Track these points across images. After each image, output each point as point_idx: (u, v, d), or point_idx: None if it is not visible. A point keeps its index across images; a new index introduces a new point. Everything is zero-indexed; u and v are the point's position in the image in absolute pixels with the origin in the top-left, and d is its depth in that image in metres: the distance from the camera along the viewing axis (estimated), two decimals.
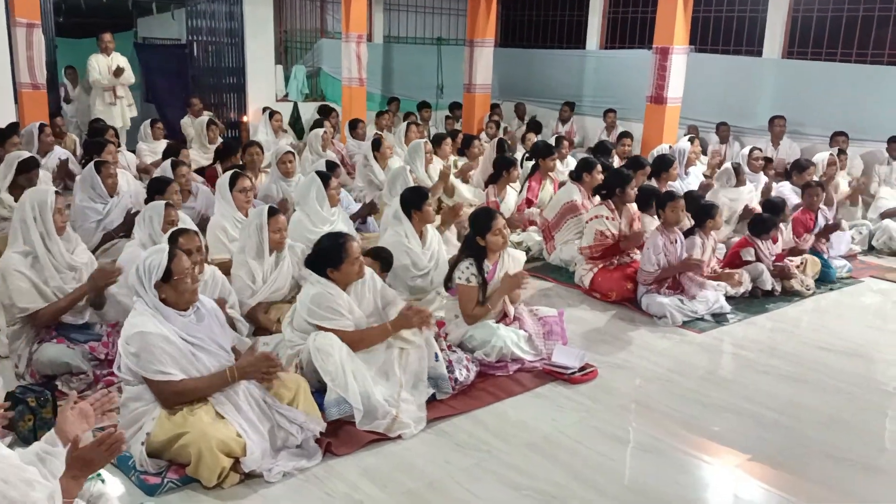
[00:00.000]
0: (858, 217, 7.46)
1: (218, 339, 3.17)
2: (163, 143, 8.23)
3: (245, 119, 11.10)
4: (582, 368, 4.14)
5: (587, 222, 5.71)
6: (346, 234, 3.91)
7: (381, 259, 4.59)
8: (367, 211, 6.38)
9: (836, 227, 6.36)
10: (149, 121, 8.76)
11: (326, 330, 3.61)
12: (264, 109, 10.34)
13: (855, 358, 4.67)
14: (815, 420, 3.80)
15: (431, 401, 3.72)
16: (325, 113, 10.44)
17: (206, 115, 9.22)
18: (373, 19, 12.33)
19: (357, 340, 3.65)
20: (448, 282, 4.34)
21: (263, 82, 11.36)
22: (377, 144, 7.53)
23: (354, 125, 9.34)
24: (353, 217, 6.12)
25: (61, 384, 3.71)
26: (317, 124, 10.03)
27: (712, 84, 10.11)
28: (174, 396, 2.98)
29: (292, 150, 6.72)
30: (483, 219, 4.31)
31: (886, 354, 4.78)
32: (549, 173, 7.15)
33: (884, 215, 7.22)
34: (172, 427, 2.95)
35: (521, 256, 4.52)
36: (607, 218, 5.58)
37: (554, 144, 8.39)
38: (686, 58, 8.98)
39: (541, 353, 4.23)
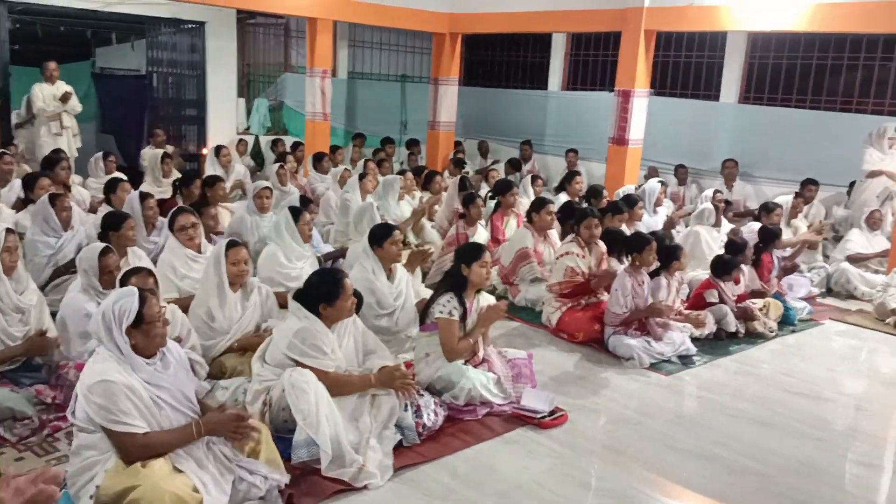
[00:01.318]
0: (818, 260, 7.59)
1: (183, 389, 3.00)
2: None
3: (204, 152, 10.91)
4: (552, 412, 4.06)
5: (556, 259, 5.68)
6: (341, 270, 3.82)
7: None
8: (340, 254, 6.28)
9: (794, 268, 6.46)
10: (100, 154, 8.50)
11: (305, 366, 3.49)
12: (243, 143, 10.17)
13: (819, 401, 4.69)
14: (784, 465, 3.77)
15: (398, 447, 3.60)
16: (279, 150, 10.39)
17: (165, 148, 9.05)
18: (337, 55, 12.33)
19: (336, 384, 3.53)
20: (423, 318, 4.24)
21: (224, 115, 11.22)
22: (363, 177, 7.59)
23: (319, 158, 9.27)
24: (327, 257, 6.03)
25: (3, 430, 3.48)
26: (279, 158, 9.94)
27: (671, 127, 10.31)
28: (139, 450, 2.78)
29: (269, 186, 6.66)
30: (472, 250, 4.28)
31: (849, 398, 4.82)
32: (512, 209, 7.14)
33: (850, 259, 7.32)
34: (124, 479, 2.75)
35: (492, 300, 4.44)
36: (578, 255, 5.56)
37: (530, 181, 8.47)
38: (647, 101, 9.16)
39: (510, 397, 4.15)
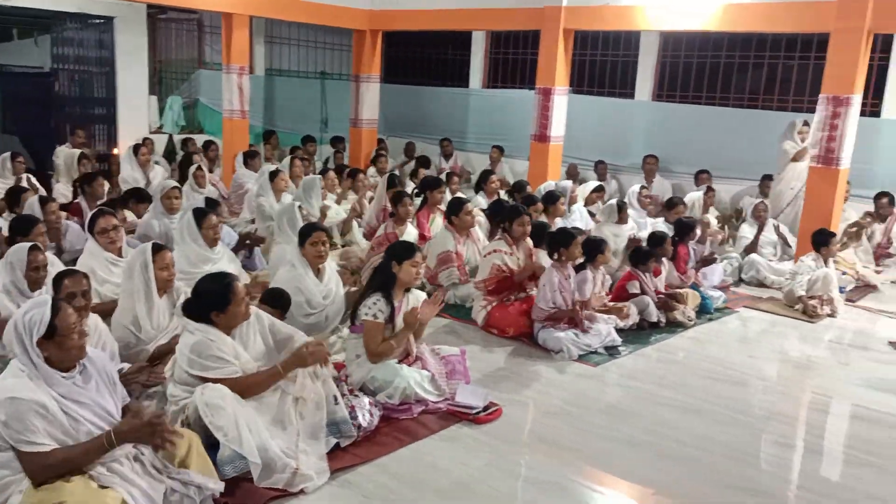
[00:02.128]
0: (730, 251, 7.92)
1: (105, 403, 2.84)
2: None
3: (116, 151, 10.48)
4: (486, 407, 4.08)
5: (484, 256, 5.72)
6: (229, 273, 3.66)
7: (278, 303, 4.37)
8: (249, 243, 6.11)
9: (711, 259, 6.73)
10: (8, 154, 8.05)
11: (210, 380, 3.35)
12: (144, 141, 9.78)
13: (738, 386, 4.89)
14: (709, 448, 3.91)
15: (335, 449, 3.54)
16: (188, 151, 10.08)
17: (83, 149, 8.67)
18: (253, 51, 12.06)
19: (245, 387, 3.40)
20: (352, 318, 4.19)
21: (136, 113, 10.80)
22: (272, 176, 7.35)
23: (252, 156, 9.04)
24: (235, 250, 5.87)
25: None
26: (185, 159, 9.63)
27: (590, 124, 10.56)
28: (43, 470, 2.61)
29: (178, 186, 6.42)
30: (403, 247, 4.25)
31: (764, 382, 5.05)
32: (437, 206, 7.15)
33: (747, 250, 7.69)
34: (45, 497, 2.61)
35: (423, 296, 4.44)
36: (505, 252, 5.62)
37: (445, 179, 8.51)
38: (566, 98, 9.34)
39: (444, 394, 4.14)
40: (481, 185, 8.61)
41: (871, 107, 8.89)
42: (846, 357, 5.62)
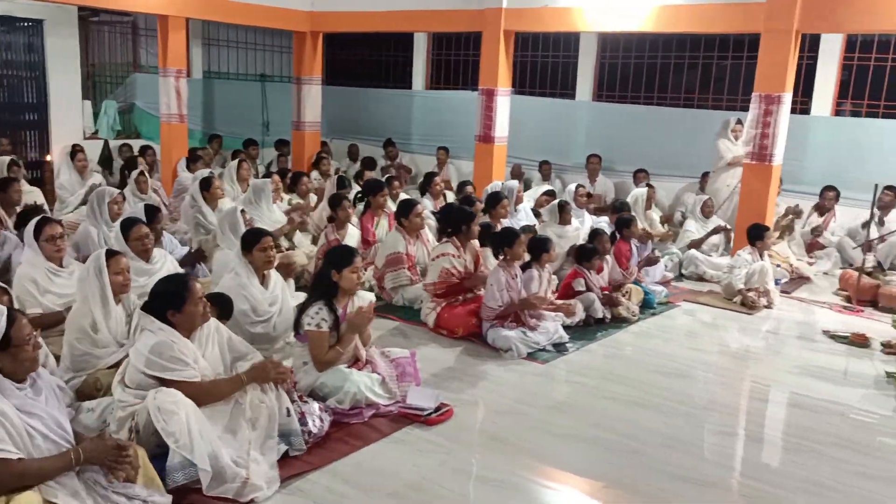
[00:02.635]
0: (670, 247, 8.11)
1: (56, 416, 2.76)
2: None
3: (49, 158, 10.14)
4: (437, 409, 4.09)
5: (432, 260, 5.73)
6: (186, 274, 3.62)
7: (220, 307, 4.29)
8: (194, 259, 5.97)
9: (655, 260, 6.90)
10: None
11: (169, 382, 3.29)
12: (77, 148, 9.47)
13: (681, 378, 5.01)
14: (655, 441, 4.00)
15: (285, 457, 3.50)
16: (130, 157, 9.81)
17: (11, 156, 8.33)
18: (191, 54, 11.81)
19: (205, 393, 3.35)
20: (297, 327, 4.14)
21: (69, 119, 10.44)
22: (207, 184, 7.07)
23: (194, 160, 8.81)
24: (181, 264, 5.72)
25: None
26: (128, 162, 9.38)
27: (534, 124, 10.69)
28: (12, 479, 2.53)
29: (123, 192, 6.23)
30: (341, 253, 4.20)
31: (705, 372, 5.18)
32: (382, 209, 7.12)
33: (691, 245, 7.89)
34: None
35: (371, 297, 4.42)
36: (453, 255, 5.64)
37: (384, 181, 8.45)
38: (509, 99, 9.43)
39: (395, 396, 4.14)
40: (426, 187, 8.61)
41: (801, 104, 9.23)
42: (783, 347, 5.82)
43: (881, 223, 7.81)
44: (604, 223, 7.56)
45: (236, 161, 8.68)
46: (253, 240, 4.70)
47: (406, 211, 6.30)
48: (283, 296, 4.78)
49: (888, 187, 8.01)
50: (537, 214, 8.29)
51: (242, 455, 3.27)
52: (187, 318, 3.44)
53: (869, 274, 7.15)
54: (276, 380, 3.51)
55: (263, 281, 4.76)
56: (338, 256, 4.19)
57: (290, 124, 11.59)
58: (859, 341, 5.74)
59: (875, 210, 7.17)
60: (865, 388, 4.95)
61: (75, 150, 9.06)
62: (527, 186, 9.95)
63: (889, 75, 8.90)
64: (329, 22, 10.74)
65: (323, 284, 4.15)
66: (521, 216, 7.92)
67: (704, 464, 3.81)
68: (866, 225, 7.33)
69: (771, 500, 3.45)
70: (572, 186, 8.22)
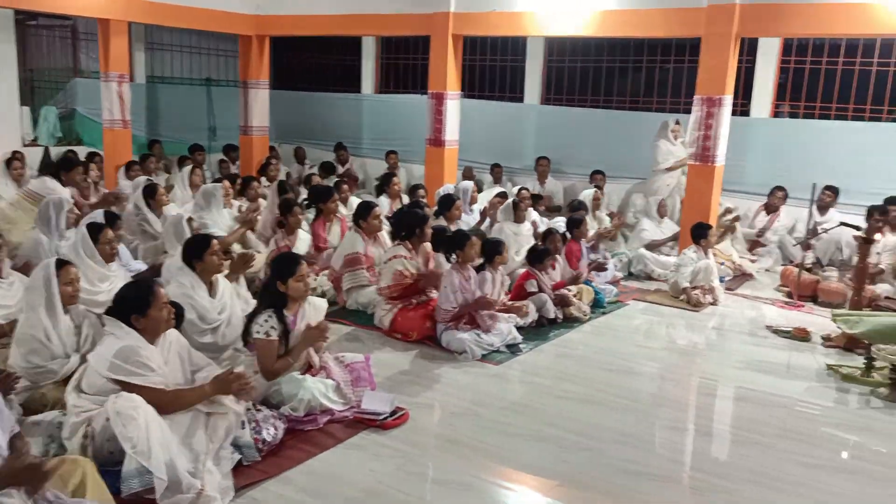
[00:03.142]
0: (620, 247, 8.27)
1: None
2: None
3: None
4: (393, 412, 4.09)
5: (385, 263, 5.73)
6: (152, 278, 3.57)
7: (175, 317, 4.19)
8: (153, 272, 5.84)
9: (603, 267, 7.03)
10: None
11: (132, 388, 3.22)
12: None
13: (632, 375, 5.11)
14: (608, 437, 4.07)
15: (238, 466, 3.45)
16: (68, 163, 9.51)
17: None
18: (133, 58, 11.56)
19: (169, 401, 3.31)
20: (246, 336, 4.09)
21: (6, 125, 10.08)
22: (151, 191, 6.91)
23: (129, 167, 8.62)
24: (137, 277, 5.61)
25: None
26: (64, 163, 9.08)
27: (484, 128, 10.76)
28: None
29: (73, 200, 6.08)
30: (286, 263, 4.14)
31: (655, 369, 5.30)
32: (334, 215, 7.09)
33: (648, 246, 8.05)
34: None
35: (323, 304, 4.39)
36: (406, 258, 5.64)
37: (333, 186, 8.44)
38: (459, 103, 9.48)
39: (350, 402, 4.12)
40: (384, 188, 8.64)
41: (741, 107, 9.50)
42: (728, 342, 5.98)
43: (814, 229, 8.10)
44: (560, 223, 7.66)
45: (189, 167, 8.54)
46: (203, 245, 4.62)
47: (365, 212, 6.32)
48: (231, 303, 4.71)
49: (827, 187, 8.30)
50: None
51: (199, 466, 3.22)
52: (152, 323, 3.41)
53: (809, 270, 7.40)
54: (237, 392, 3.46)
55: (211, 289, 4.68)
56: (282, 266, 4.14)
57: (237, 129, 11.42)
58: (801, 335, 5.94)
59: (814, 209, 7.41)
60: (808, 380, 5.12)
61: (12, 158, 8.76)
62: (479, 189, 10.00)
63: (824, 77, 9.24)
64: (275, 26, 10.63)
65: (271, 293, 4.11)
66: (477, 217, 7.98)
67: (656, 458, 3.90)
68: (838, 224, 7.53)
69: (719, 492, 3.54)
70: (515, 188, 8.34)
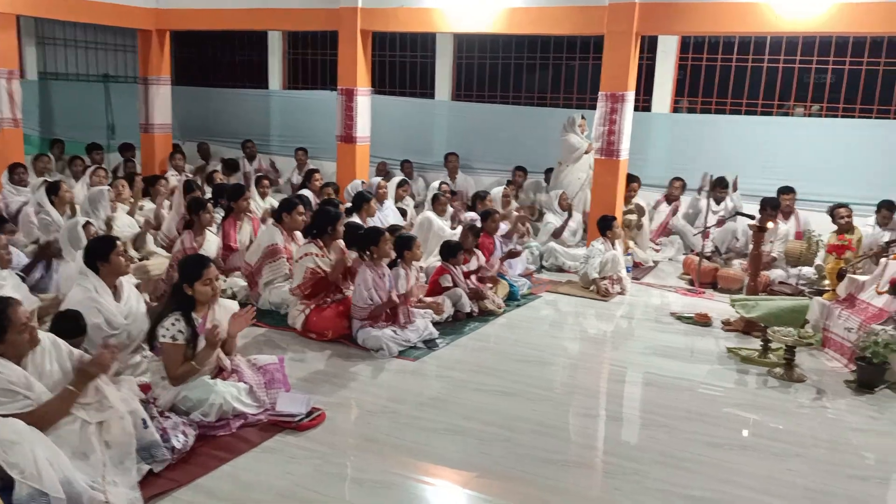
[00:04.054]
0: (530, 241, 8.42)
1: None
2: None
3: None
4: (309, 413, 4.03)
5: (296, 261, 5.64)
6: (8, 298, 3.32)
7: (68, 328, 3.97)
8: (45, 254, 5.55)
9: (516, 253, 7.14)
10: None
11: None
12: None
13: (546, 365, 5.22)
14: (524, 427, 4.14)
15: (148, 476, 3.32)
16: None
17: None
18: (24, 53, 10.92)
19: (40, 418, 3.12)
20: (152, 340, 3.94)
21: None
22: (54, 189, 6.72)
23: (13, 170, 8.15)
24: (31, 265, 5.31)
25: None
26: None
27: (395, 124, 10.74)
28: None
29: None
30: (192, 266, 4.01)
31: (567, 358, 5.44)
32: (245, 214, 6.93)
33: (553, 234, 8.24)
34: None
35: (233, 305, 4.28)
36: (316, 255, 5.57)
37: (255, 183, 8.32)
38: (369, 99, 9.42)
39: (264, 405, 4.03)
40: (306, 183, 8.56)
41: (643, 102, 9.84)
42: (636, 330, 6.20)
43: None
44: (471, 216, 7.72)
45: (91, 168, 8.24)
46: (107, 247, 4.41)
47: (289, 207, 6.26)
48: (137, 306, 4.52)
49: (718, 180, 8.69)
50: (402, 212, 8.37)
51: (98, 478, 3.09)
52: (12, 347, 3.20)
53: (708, 259, 7.74)
54: (98, 370, 3.29)
55: (115, 292, 4.48)
56: (188, 270, 4.01)
57: (137, 127, 10.97)
58: (702, 321, 6.21)
59: (709, 199, 7.75)
60: (710, 363, 5.36)
61: None
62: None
63: (719, 74, 9.68)
64: (176, 19, 10.26)
65: (178, 296, 3.98)
66: (388, 213, 7.96)
67: (570, 445, 4.00)
68: (734, 214, 7.88)
69: (629, 474, 3.66)
70: (436, 183, 8.38)
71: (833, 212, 7.48)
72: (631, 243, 8.35)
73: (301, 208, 6.31)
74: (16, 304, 3.27)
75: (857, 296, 5.53)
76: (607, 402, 4.76)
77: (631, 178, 8.59)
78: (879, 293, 5.28)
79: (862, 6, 6.73)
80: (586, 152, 8.78)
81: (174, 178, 9.02)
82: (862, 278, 5.62)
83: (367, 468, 3.63)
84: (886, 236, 7.30)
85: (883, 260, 5.63)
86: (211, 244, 6.37)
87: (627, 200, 8.53)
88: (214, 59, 13.33)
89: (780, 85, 9.41)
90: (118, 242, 4.50)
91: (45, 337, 3.41)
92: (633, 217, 8.44)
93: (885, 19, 6.69)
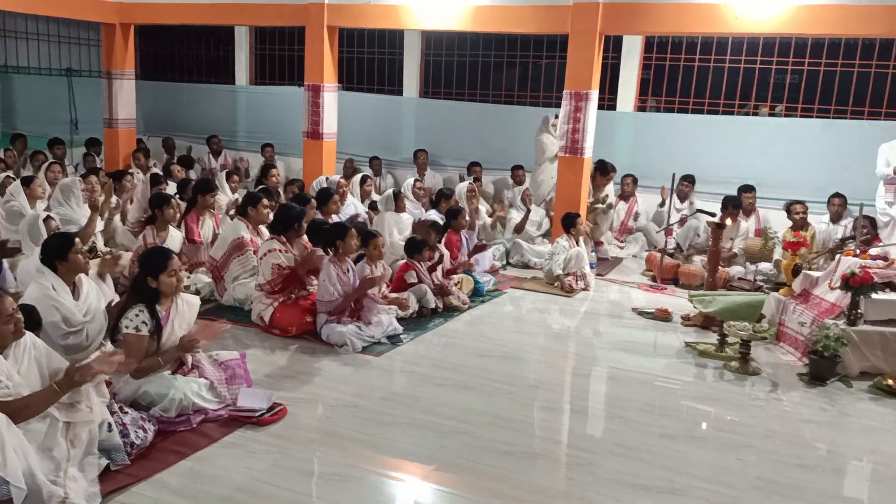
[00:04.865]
0: (498, 237, 8.50)
1: None
2: None
3: None
4: (270, 408, 4.04)
5: (261, 258, 5.63)
6: None
7: (30, 325, 3.93)
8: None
9: (483, 247, 7.20)
10: None
11: None
12: None
13: (507, 360, 5.28)
14: (484, 421, 4.20)
15: (107, 471, 3.32)
16: None
17: None
18: None
19: (20, 408, 3.12)
20: (114, 332, 3.92)
21: None
22: (28, 180, 6.78)
23: None
24: None
25: None
26: None
27: (363, 121, 10.74)
28: None
29: None
30: (156, 258, 4.00)
31: (530, 354, 5.50)
32: (208, 210, 6.90)
33: (515, 229, 8.34)
34: None
35: (196, 301, 4.27)
36: (280, 251, 5.57)
37: (225, 178, 8.32)
38: (336, 95, 9.41)
39: (225, 400, 4.04)
40: (262, 180, 8.53)
41: (608, 101, 9.96)
42: (599, 325, 6.29)
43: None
44: (433, 214, 7.77)
45: (46, 164, 8.15)
46: (65, 244, 4.37)
47: (254, 201, 6.25)
48: (96, 303, 4.49)
49: (685, 177, 8.86)
50: (373, 207, 8.40)
51: (60, 474, 3.08)
52: None
53: (671, 255, 7.88)
54: (82, 380, 3.28)
55: (74, 290, 4.45)
56: (152, 262, 4.00)
57: (101, 122, 10.84)
58: (663, 316, 6.33)
59: (672, 197, 7.89)
60: (669, 357, 5.47)
61: None
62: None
63: (683, 73, 9.84)
64: (140, 13, 10.14)
65: (141, 290, 3.96)
66: (350, 209, 7.97)
67: (528, 438, 4.06)
68: (696, 212, 8.03)
69: (585, 465, 3.74)
70: (410, 180, 8.44)
71: (788, 208, 7.67)
72: (606, 231, 8.47)
73: (266, 201, 6.30)
74: (3, 295, 3.28)
75: (811, 291, 5.68)
76: (566, 396, 4.83)
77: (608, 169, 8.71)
78: (832, 288, 5.42)
79: (817, 9, 6.90)
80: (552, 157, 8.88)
81: (138, 177, 8.92)
82: (816, 274, 5.77)
83: (328, 462, 3.66)
84: (840, 232, 7.50)
85: (838, 256, 5.79)
86: (174, 239, 6.33)
87: (601, 188, 8.59)
88: (181, 54, 13.20)
89: (741, 85, 9.59)
90: (77, 240, 4.45)
91: (28, 335, 3.42)
92: (602, 206, 8.52)
93: (840, 22, 6.87)
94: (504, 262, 8.12)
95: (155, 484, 3.35)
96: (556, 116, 9.06)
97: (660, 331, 6.09)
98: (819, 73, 9.24)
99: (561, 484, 3.60)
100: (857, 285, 5.11)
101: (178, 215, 6.59)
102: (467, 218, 7.32)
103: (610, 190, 8.81)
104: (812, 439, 4.22)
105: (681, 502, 3.44)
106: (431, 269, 6.37)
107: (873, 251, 5.85)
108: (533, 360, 5.41)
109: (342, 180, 8.25)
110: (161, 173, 8.44)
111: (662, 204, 9.00)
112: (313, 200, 6.88)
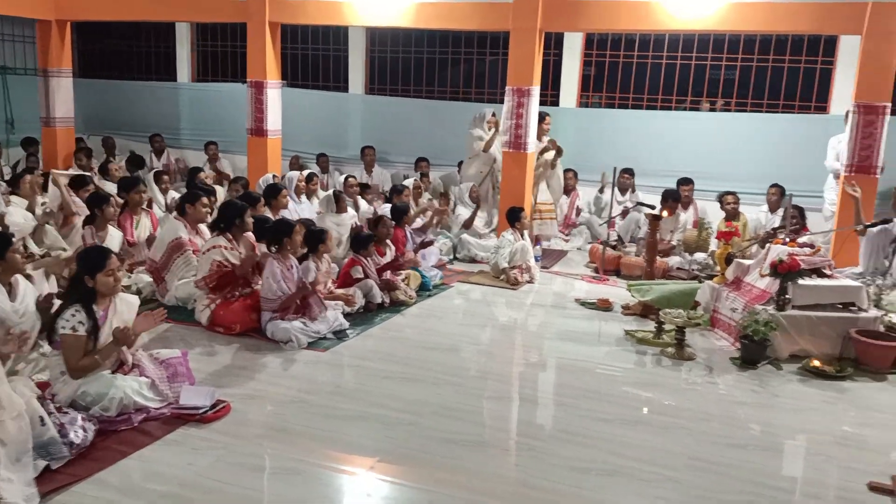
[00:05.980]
0: (444, 232, 8.57)
1: None
2: None
3: None
4: (213, 406, 4.03)
5: (203, 253, 5.58)
6: None
7: None
8: None
9: (429, 243, 7.26)
10: None
11: None
12: None
13: (455, 352, 5.36)
14: (430, 412, 4.26)
15: (45, 472, 3.27)
16: None
17: None
18: None
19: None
20: (51, 333, 3.86)
21: None
22: None
23: None
24: None
25: None
26: None
27: (309, 117, 10.69)
28: None
29: None
30: (94, 257, 3.95)
31: (477, 345, 5.59)
32: (140, 208, 6.80)
33: (463, 225, 8.41)
34: None
35: (135, 301, 4.22)
36: (225, 248, 5.53)
37: (153, 179, 8.19)
38: (280, 92, 9.35)
39: (167, 398, 4.01)
40: (189, 184, 8.43)
41: (552, 97, 10.13)
42: (543, 316, 6.42)
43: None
44: (387, 210, 7.80)
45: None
46: (4, 242, 4.27)
47: (193, 199, 6.16)
48: (33, 306, 4.40)
49: (625, 170, 9.07)
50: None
51: None
52: None
53: (613, 247, 8.07)
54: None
55: (10, 291, 4.35)
56: (90, 261, 3.95)
57: (38, 120, 10.54)
58: (604, 306, 6.49)
59: (614, 190, 8.08)
60: (610, 346, 5.62)
61: None
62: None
63: (623, 70, 10.06)
64: (77, 9, 9.90)
65: (79, 289, 3.91)
66: (305, 208, 7.96)
67: (474, 426, 4.14)
68: (636, 205, 8.22)
69: (527, 450, 3.84)
70: (342, 178, 8.43)
71: (721, 199, 7.93)
72: (543, 188, 8.53)
73: (205, 199, 6.22)
74: None
75: (742, 278, 5.90)
76: (511, 385, 4.94)
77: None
78: (762, 276, 5.65)
79: (747, 6, 7.16)
80: (484, 149, 8.97)
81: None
82: (747, 262, 5.99)
83: (274, 456, 3.67)
84: (778, 221, 7.79)
85: (767, 245, 6.03)
86: (114, 239, 6.23)
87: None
88: (121, 51, 12.92)
89: (677, 81, 9.86)
90: (15, 239, 4.37)
91: None
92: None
93: (768, 19, 7.15)
94: (451, 257, 8.20)
95: (96, 483, 3.32)
96: (494, 113, 9.17)
97: (602, 320, 6.24)
98: (751, 69, 9.56)
99: (507, 470, 3.68)
100: (784, 272, 5.34)
101: (115, 214, 6.48)
102: (411, 213, 7.37)
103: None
104: (745, 420, 4.40)
105: (621, 483, 3.56)
106: (382, 270, 6.39)
107: (801, 240, 6.10)
108: (478, 351, 5.49)
109: (301, 175, 8.20)
110: (89, 175, 8.24)
111: (602, 190, 9.20)
112: (262, 198, 6.83)
